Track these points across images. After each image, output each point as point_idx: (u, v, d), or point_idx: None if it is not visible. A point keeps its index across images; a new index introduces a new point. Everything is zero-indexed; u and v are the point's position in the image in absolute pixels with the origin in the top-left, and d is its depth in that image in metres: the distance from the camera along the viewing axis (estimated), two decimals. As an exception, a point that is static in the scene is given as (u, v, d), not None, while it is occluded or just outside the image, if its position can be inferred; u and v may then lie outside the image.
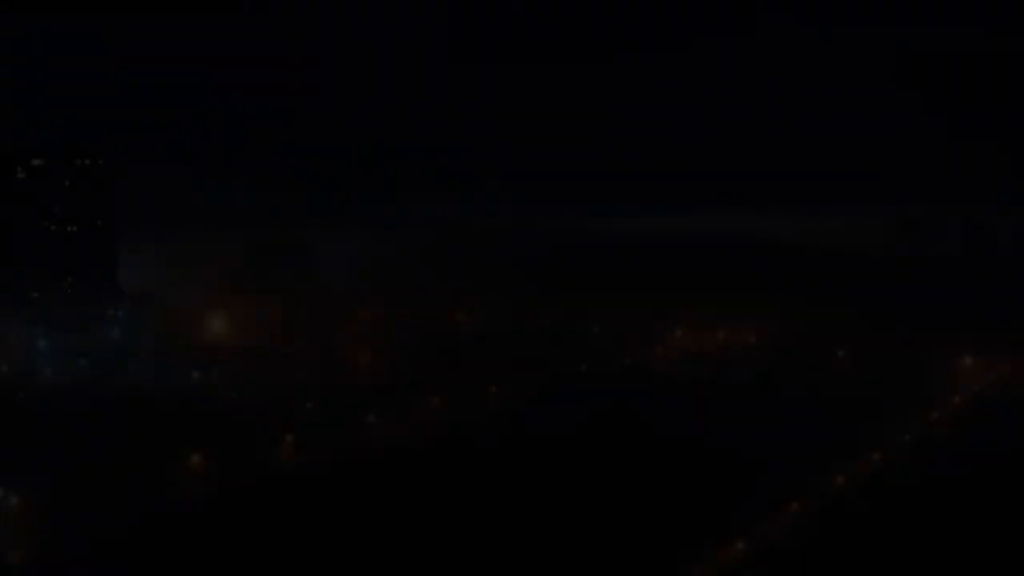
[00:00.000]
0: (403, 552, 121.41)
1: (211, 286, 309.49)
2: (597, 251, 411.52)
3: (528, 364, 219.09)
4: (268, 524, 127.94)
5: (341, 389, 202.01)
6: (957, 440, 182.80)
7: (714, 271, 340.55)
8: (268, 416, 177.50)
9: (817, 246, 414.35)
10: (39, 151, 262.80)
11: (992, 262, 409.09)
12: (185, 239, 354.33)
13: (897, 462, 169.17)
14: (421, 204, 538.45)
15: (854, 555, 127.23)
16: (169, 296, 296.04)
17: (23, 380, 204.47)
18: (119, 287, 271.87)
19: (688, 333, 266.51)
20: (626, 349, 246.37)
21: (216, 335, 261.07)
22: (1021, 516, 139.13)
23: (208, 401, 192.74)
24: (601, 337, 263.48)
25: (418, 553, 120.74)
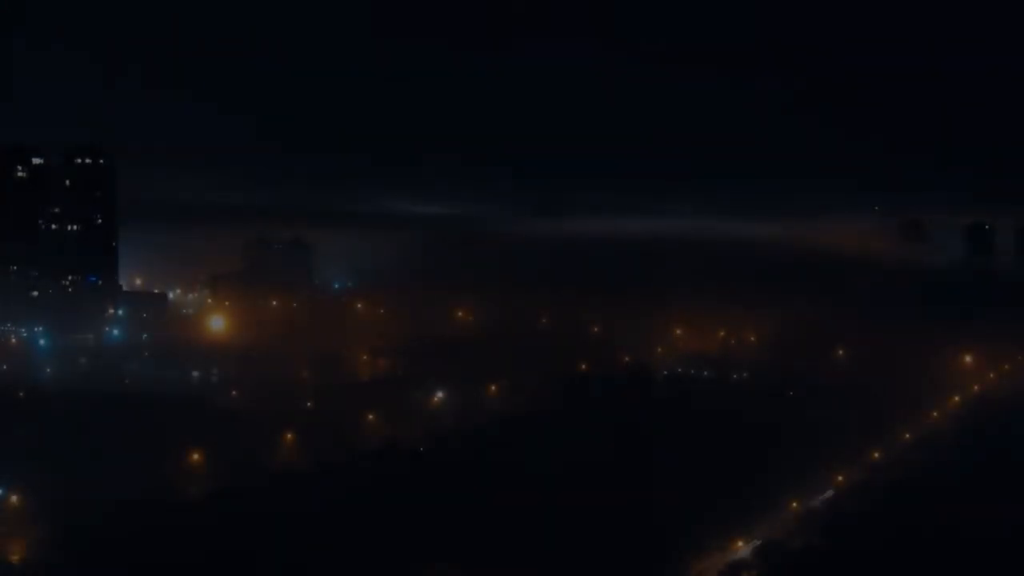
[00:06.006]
0: (404, 552, 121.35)
1: (211, 285, 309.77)
2: (598, 251, 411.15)
3: (528, 364, 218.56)
4: (268, 524, 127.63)
5: (341, 389, 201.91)
6: (958, 439, 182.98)
7: (715, 271, 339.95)
8: (268, 416, 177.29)
9: (818, 247, 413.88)
10: (39, 150, 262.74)
11: (993, 263, 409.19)
12: (185, 238, 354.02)
13: (898, 461, 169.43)
14: (421, 204, 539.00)
15: (854, 555, 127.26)
16: (169, 295, 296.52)
17: (23, 380, 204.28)
18: (119, 287, 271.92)
19: (688, 333, 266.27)
20: (626, 349, 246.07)
21: (216, 334, 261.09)
22: (1022, 516, 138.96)
23: (208, 401, 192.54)
24: (601, 337, 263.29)
25: (419, 553, 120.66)
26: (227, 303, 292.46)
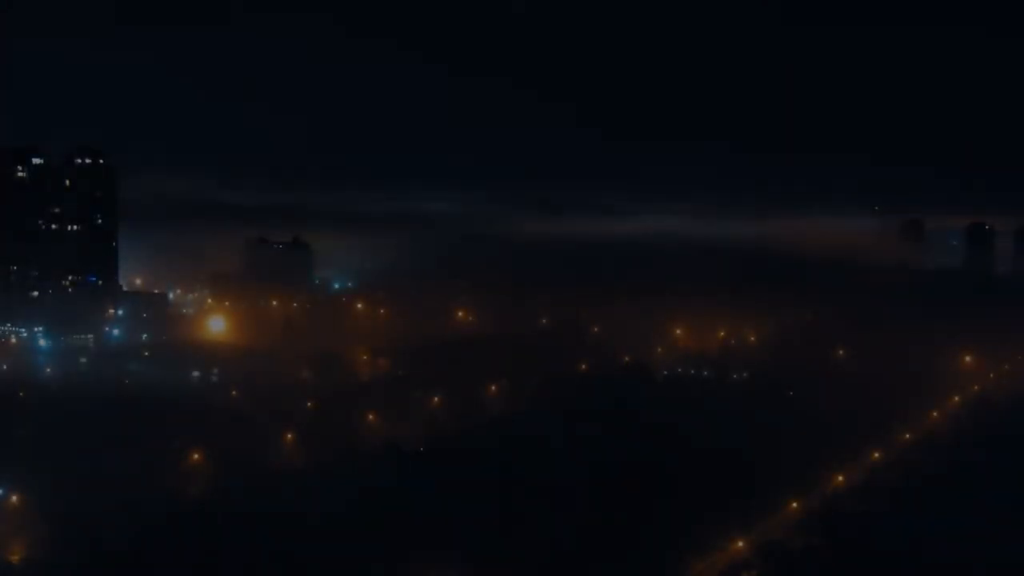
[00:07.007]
0: (404, 552, 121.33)
1: (211, 285, 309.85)
2: (598, 251, 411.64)
3: (528, 364, 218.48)
4: (268, 524, 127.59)
5: (341, 389, 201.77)
6: (958, 439, 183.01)
7: (715, 271, 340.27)
8: (268, 416, 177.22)
9: (818, 247, 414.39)
10: (39, 150, 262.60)
11: (993, 263, 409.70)
12: (185, 238, 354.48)
13: (898, 461, 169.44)
14: (421, 203, 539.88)
15: (853, 555, 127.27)
16: (169, 295, 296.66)
17: (23, 380, 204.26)
18: (119, 287, 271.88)
19: (688, 333, 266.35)
20: (626, 349, 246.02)
21: (216, 334, 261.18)
22: (1022, 515, 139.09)
23: (208, 401, 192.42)
24: (601, 337, 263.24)
25: (419, 553, 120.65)
26: (227, 303, 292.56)
